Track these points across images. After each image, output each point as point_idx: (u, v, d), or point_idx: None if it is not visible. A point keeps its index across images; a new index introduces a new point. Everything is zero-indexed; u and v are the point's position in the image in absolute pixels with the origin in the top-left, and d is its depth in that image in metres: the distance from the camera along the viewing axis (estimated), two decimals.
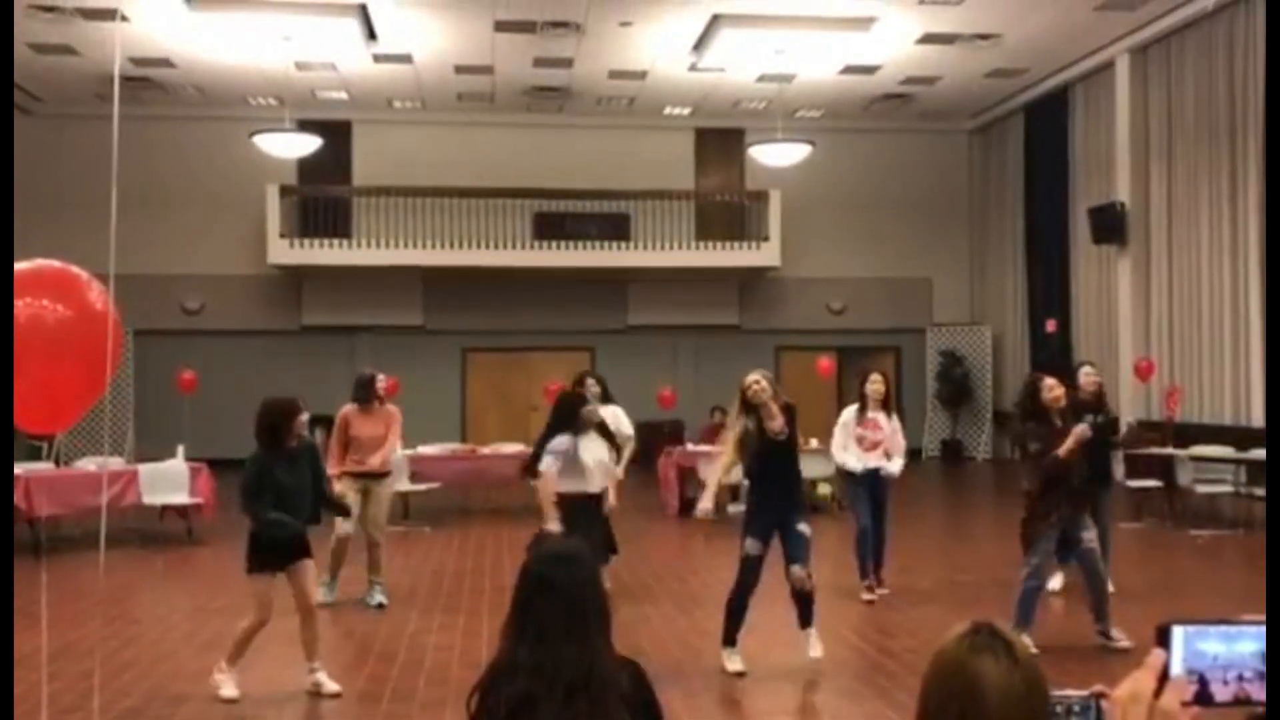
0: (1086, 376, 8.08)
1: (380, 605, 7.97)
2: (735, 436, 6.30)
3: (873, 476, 8.11)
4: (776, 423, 6.13)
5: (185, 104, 18.58)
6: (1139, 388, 15.23)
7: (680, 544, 11.12)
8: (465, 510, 13.25)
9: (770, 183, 19.07)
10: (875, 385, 8.27)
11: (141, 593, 9.12)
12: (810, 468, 12.15)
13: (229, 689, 5.74)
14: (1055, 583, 8.21)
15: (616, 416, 8.41)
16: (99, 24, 14.33)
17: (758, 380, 6.19)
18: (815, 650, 6.22)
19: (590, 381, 8.51)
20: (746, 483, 12.61)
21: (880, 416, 8.16)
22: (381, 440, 8.13)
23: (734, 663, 6.21)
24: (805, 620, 6.28)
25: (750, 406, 6.17)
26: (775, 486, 6.20)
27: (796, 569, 6.15)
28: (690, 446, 13.24)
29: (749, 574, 6.20)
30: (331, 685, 5.86)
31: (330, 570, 8.01)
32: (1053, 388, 6.54)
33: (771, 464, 6.19)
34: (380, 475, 8.15)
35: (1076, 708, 1.65)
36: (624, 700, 2.44)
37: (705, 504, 6.31)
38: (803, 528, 6.17)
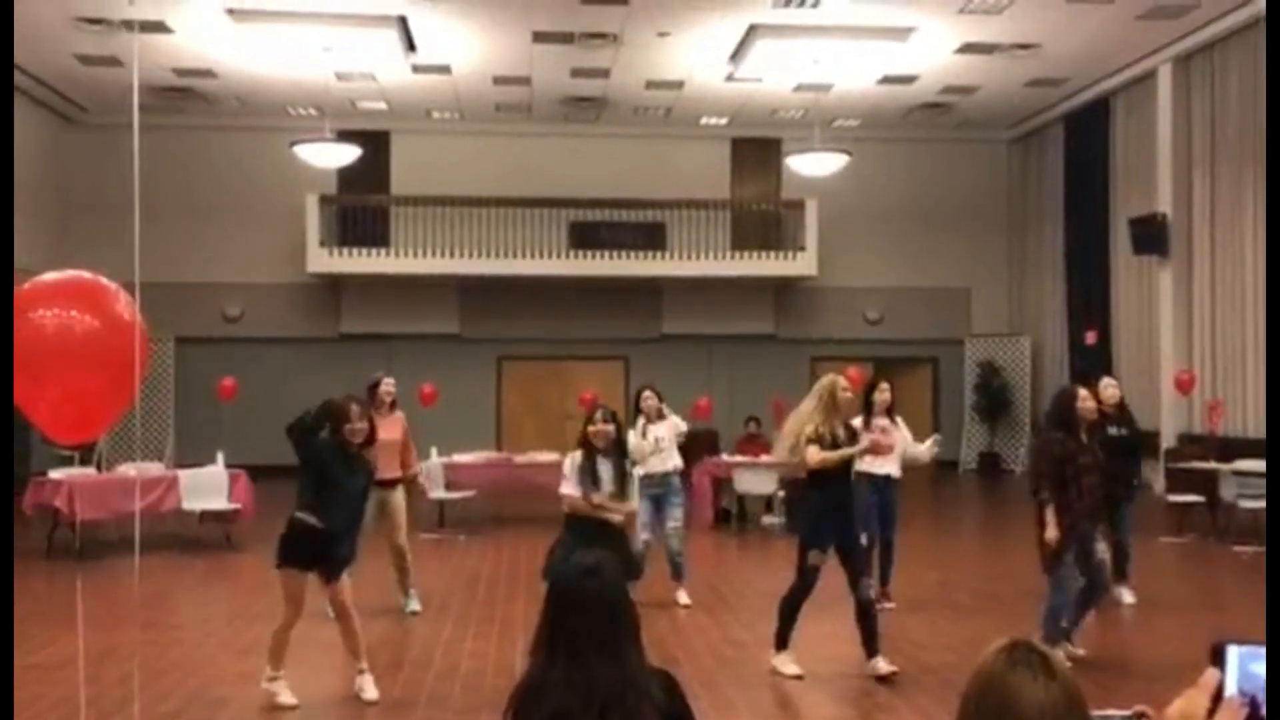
0: (1107, 389, 8.05)
1: (414, 612, 7.99)
2: (812, 432, 6.22)
3: (882, 484, 8.05)
4: (841, 429, 6.27)
5: (227, 114, 18.82)
6: (1180, 401, 15.04)
7: (714, 553, 11.09)
8: (500, 518, 13.28)
9: (806, 192, 19.03)
10: (883, 394, 8.24)
11: (181, 597, 9.22)
12: None
13: (286, 695, 5.72)
14: (1128, 597, 8.12)
15: (675, 427, 8.68)
16: (145, 36, 14.57)
17: (847, 388, 6.34)
18: (884, 666, 6.20)
19: (648, 394, 8.63)
20: (782, 493, 12.62)
21: (887, 423, 8.12)
22: (394, 446, 7.95)
23: (790, 666, 6.25)
24: (872, 648, 6.23)
25: (831, 409, 6.24)
26: (846, 494, 6.27)
27: (864, 582, 6.27)
28: (725, 457, 13.21)
29: (810, 581, 6.26)
30: (371, 692, 5.86)
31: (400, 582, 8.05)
32: (1086, 399, 6.53)
33: (838, 475, 6.26)
34: (393, 483, 8.03)
35: None
36: (657, 710, 2.43)
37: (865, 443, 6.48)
38: (864, 541, 6.30)
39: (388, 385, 8.14)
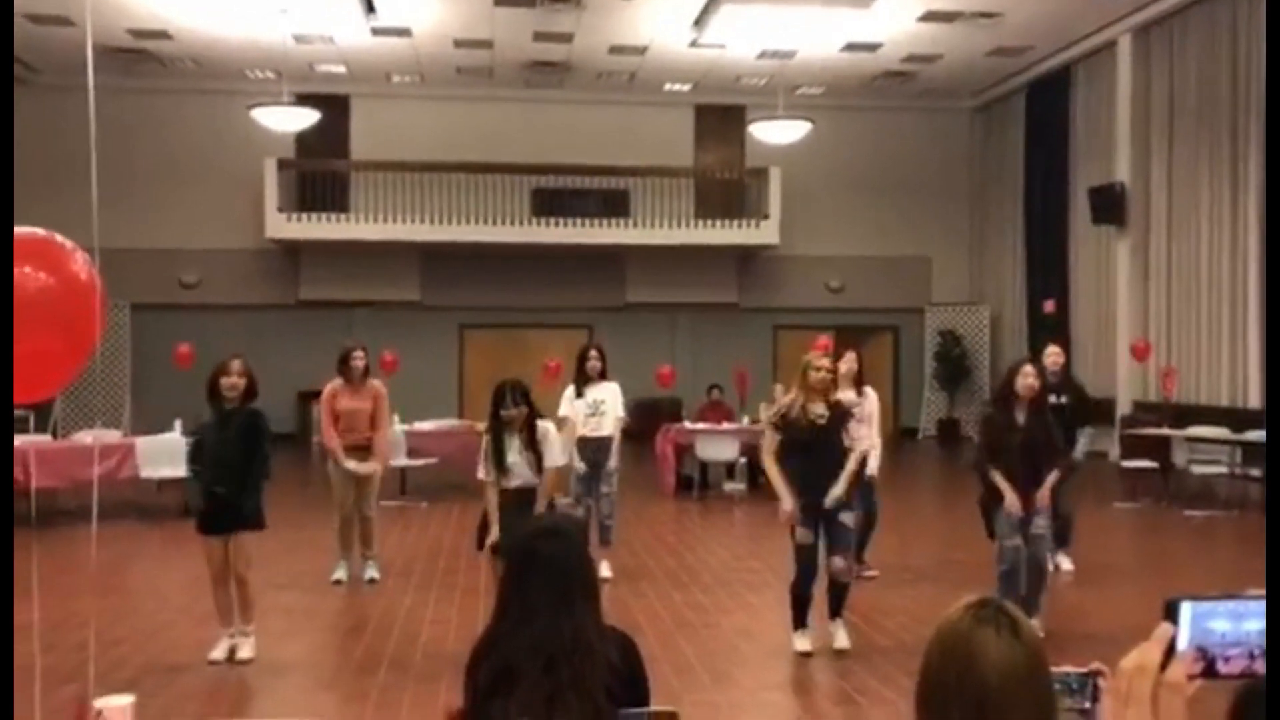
0: (1049, 357, 8.11)
1: (372, 580, 7.99)
2: (774, 416, 6.23)
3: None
4: (819, 406, 6.10)
5: (183, 77, 18.48)
6: (1136, 368, 15.25)
7: (676, 521, 11.14)
8: (461, 486, 13.22)
9: (770, 160, 19.02)
10: (846, 364, 8.06)
11: (138, 565, 9.14)
12: None
13: (216, 651, 5.95)
14: (1066, 563, 8.23)
15: (615, 394, 8.36)
16: None
17: (819, 366, 6.14)
18: (842, 641, 6.17)
19: (593, 354, 8.43)
20: (744, 460, 12.66)
21: (853, 395, 7.91)
22: (363, 415, 8.00)
23: (801, 642, 6.18)
24: (835, 610, 6.23)
25: (805, 389, 6.12)
26: (824, 471, 6.11)
27: (837, 560, 6.13)
28: (688, 424, 13.25)
29: (807, 563, 6.14)
30: (246, 652, 5.95)
31: (341, 549, 8.03)
32: (1027, 375, 6.45)
33: (813, 449, 6.11)
34: (365, 448, 8.03)
35: (1074, 684, 1.65)
36: (612, 671, 2.44)
37: (787, 506, 6.06)
38: (845, 518, 6.12)
39: (357, 356, 8.12)
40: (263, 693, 5.61)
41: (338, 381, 8.11)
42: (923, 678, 1.65)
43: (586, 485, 8.22)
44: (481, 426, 6.90)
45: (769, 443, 6.26)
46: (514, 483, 6.04)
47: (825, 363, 6.26)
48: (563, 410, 8.21)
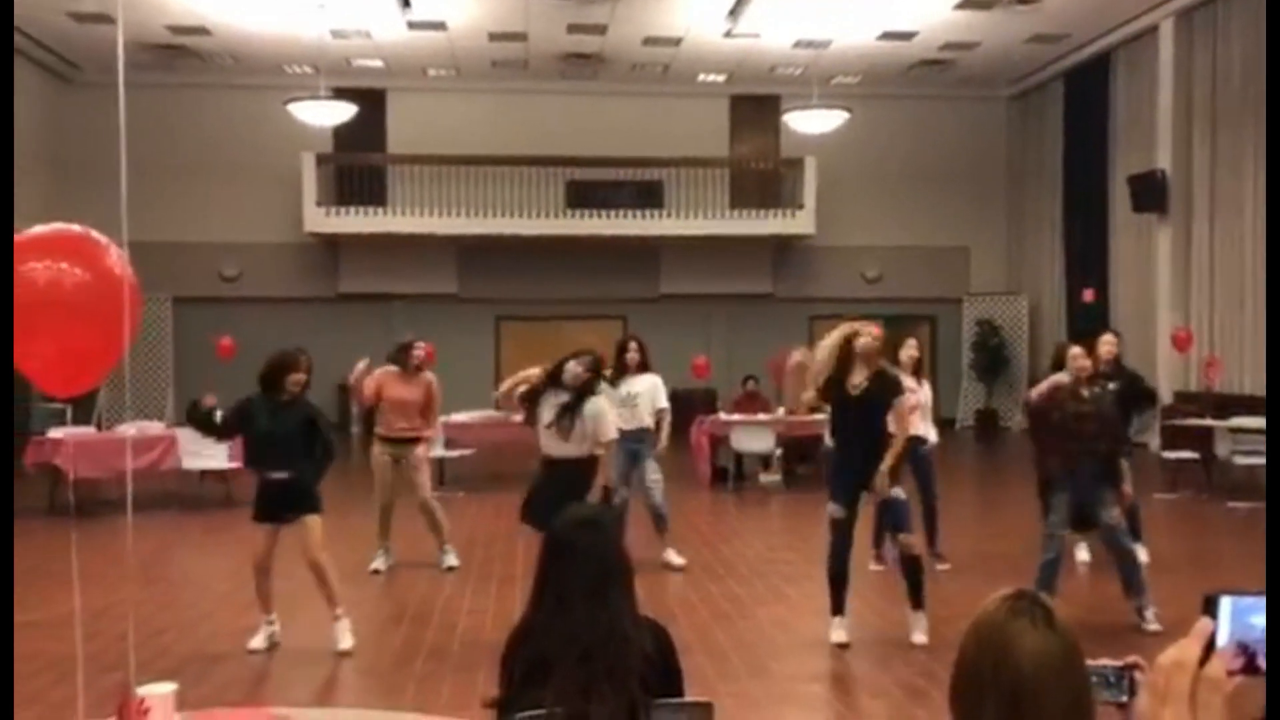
0: (1103, 345, 7.98)
1: (450, 568, 8.06)
2: (818, 382, 6.06)
3: (912, 446, 7.94)
4: (859, 375, 5.96)
5: (221, 72, 18.66)
6: (1177, 358, 15.04)
7: (711, 513, 11.13)
8: (498, 476, 13.33)
9: (805, 150, 18.92)
10: (910, 351, 8.07)
11: (180, 555, 9.27)
12: None
13: (256, 640, 6.03)
14: (1083, 554, 8.15)
15: (653, 386, 8.35)
16: None
17: (869, 334, 6.01)
18: (919, 636, 6.04)
19: (632, 346, 8.40)
20: (779, 451, 12.67)
21: (913, 383, 7.93)
22: (413, 406, 8.10)
23: (836, 633, 6.07)
24: (915, 599, 6.10)
25: (846, 359, 5.97)
26: (856, 447, 6.00)
27: (904, 536, 6.03)
28: (723, 416, 13.23)
29: (837, 538, 6.04)
30: (344, 643, 5.98)
31: (379, 538, 8.11)
32: (1077, 357, 6.42)
33: (850, 422, 6.00)
34: (410, 441, 8.14)
35: (1111, 678, 1.64)
36: (647, 661, 2.45)
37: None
38: (897, 492, 5.99)
39: (418, 347, 8.24)
40: (301, 682, 5.67)
41: (392, 369, 8.17)
42: (958, 669, 1.65)
43: (624, 476, 8.24)
44: (518, 416, 6.99)
45: (806, 397, 6.16)
46: (553, 450, 6.14)
47: (875, 329, 6.05)
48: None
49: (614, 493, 7.35)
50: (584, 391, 6.16)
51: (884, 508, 6.08)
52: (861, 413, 5.98)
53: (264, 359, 6.18)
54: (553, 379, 6.23)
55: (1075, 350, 6.50)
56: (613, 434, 6.33)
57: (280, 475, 5.92)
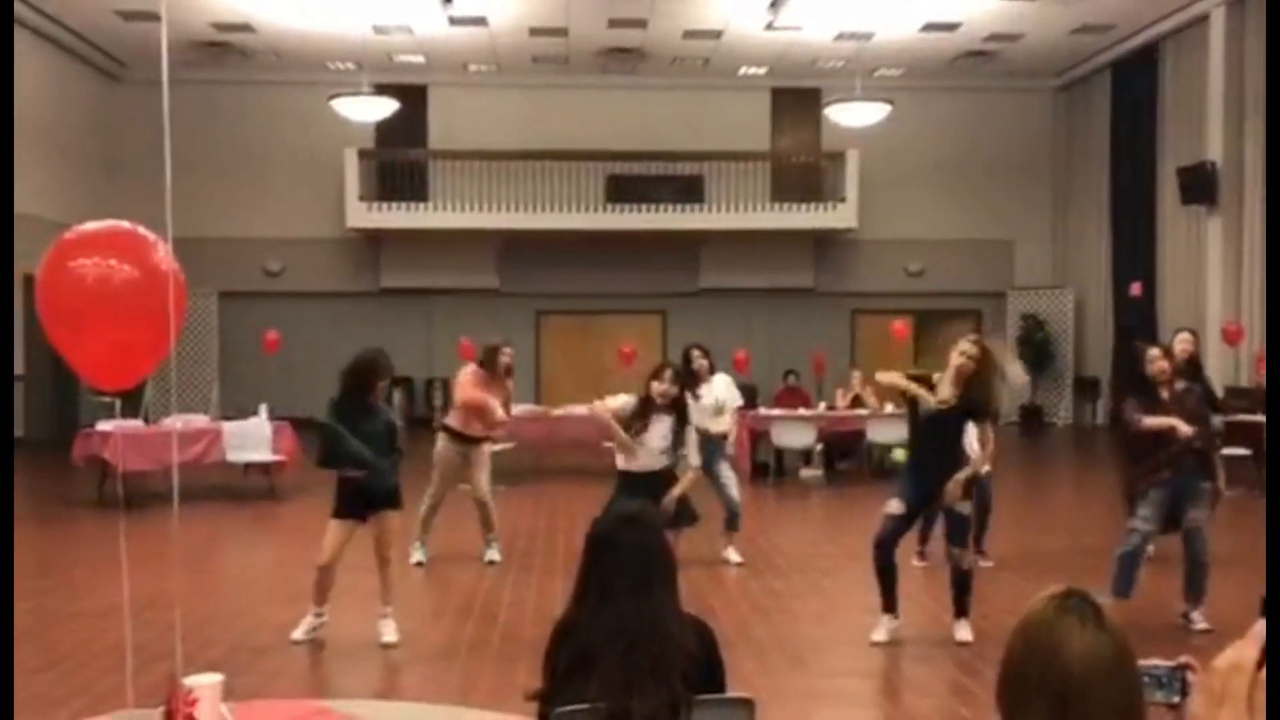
0: (1179, 343, 7.75)
1: (491, 562, 8.12)
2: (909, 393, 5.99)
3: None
4: (947, 389, 5.88)
5: (265, 69, 18.85)
6: (1227, 353, 14.79)
7: (752, 508, 11.07)
8: (539, 470, 13.38)
9: (847, 143, 18.81)
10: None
11: (226, 547, 9.39)
12: (888, 433, 12.08)
13: (298, 631, 6.07)
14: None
15: (728, 386, 8.52)
16: None
17: (971, 354, 5.85)
18: (963, 634, 5.99)
19: (696, 353, 8.42)
20: (820, 446, 12.56)
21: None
22: (493, 409, 8.24)
23: (879, 632, 6.02)
24: (960, 609, 6.04)
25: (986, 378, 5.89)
26: (932, 461, 5.93)
27: (955, 550, 5.97)
28: (763, 411, 13.18)
29: (887, 531, 5.98)
30: (389, 636, 6.02)
31: (421, 531, 8.18)
32: (1156, 359, 6.21)
33: (931, 434, 5.94)
34: (479, 440, 8.26)
35: (1163, 678, 1.61)
36: (690, 658, 2.44)
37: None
38: (961, 506, 5.92)
39: (506, 353, 8.35)
40: (344, 674, 5.72)
41: (481, 371, 8.25)
42: (1005, 668, 1.62)
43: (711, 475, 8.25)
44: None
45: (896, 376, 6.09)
46: (638, 464, 6.22)
47: (972, 350, 5.93)
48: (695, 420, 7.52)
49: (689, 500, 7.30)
50: (681, 408, 6.39)
51: (946, 516, 6.00)
52: (943, 427, 5.91)
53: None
54: (648, 405, 6.37)
55: (1154, 351, 6.29)
56: (696, 461, 6.64)
57: (368, 474, 5.98)
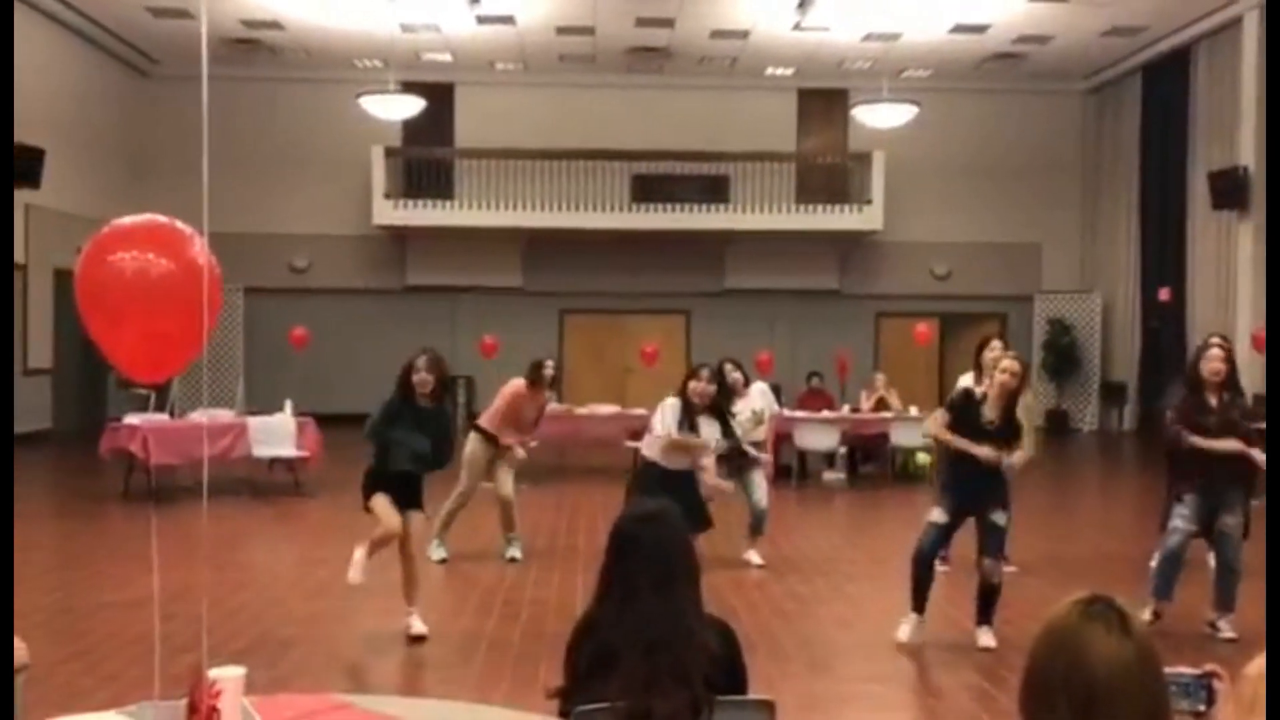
0: (1212, 363, 7.63)
1: (513, 559, 8.17)
2: (956, 397, 6.08)
3: None
4: (993, 410, 5.88)
5: (294, 66, 18.96)
6: (1257, 359, 14.63)
7: (774, 510, 11.05)
8: (561, 469, 13.39)
9: (874, 144, 18.74)
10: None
11: (251, 541, 9.44)
12: (912, 436, 12.02)
13: (354, 572, 5.94)
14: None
15: (765, 394, 8.70)
16: None
17: (1011, 370, 5.82)
18: (985, 640, 5.95)
19: (729, 367, 8.47)
20: (844, 449, 12.52)
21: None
22: (529, 422, 8.60)
23: (905, 630, 6.01)
24: (984, 617, 6.02)
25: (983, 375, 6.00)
26: (978, 478, 5.90)
27: (988, 562, 5.93)
28: (786, 413, 13.14)
29: (925, 539, 5.98)
30: (418, 628, 6.03)
31: (441, 528, 8.23)
32: (1212, 358, 6.06)
33: (971, 456, 5.89)
34: (509, 446, 8.41)
35: (1190, 686, 1.60)
36: (712, 660, 2.44)
37: (988, 454, 5.80)
38: (997, 518, 5.91)
39: (549, 367, 8.75)
40: (365, 670, 5.75)
41: (526, 387, 8.49)
42: (1029, 673, 1.61)
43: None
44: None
45: (939, 420, 6.09)
46: (676, 463, 6.33)
47: (1012, 365, 5.87)
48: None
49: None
50: (722, 409, 6.61)
51: (981, 526, 5.97)
52: (989, 444, 5.88)
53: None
54: (690, 409, 6.52)
55: (1213, 351, 6.18)
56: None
57: (405, 468, 6.04)
